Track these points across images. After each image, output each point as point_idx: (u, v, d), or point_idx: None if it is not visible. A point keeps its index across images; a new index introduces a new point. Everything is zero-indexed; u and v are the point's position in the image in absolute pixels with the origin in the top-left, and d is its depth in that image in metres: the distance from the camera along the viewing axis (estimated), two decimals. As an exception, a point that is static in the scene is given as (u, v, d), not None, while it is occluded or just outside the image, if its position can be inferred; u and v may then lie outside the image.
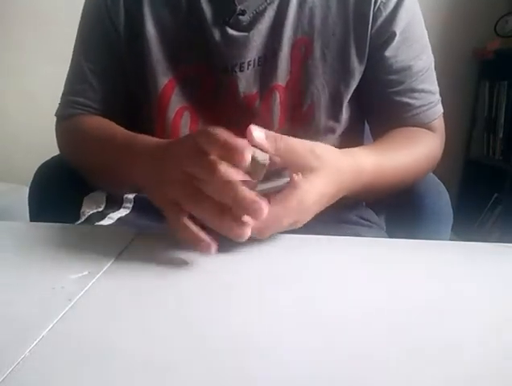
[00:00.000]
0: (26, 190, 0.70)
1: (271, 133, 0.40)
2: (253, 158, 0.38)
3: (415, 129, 0.63)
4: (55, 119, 0.68)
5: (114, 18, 0.62)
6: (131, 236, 0.46)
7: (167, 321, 0.31)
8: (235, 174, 0.36)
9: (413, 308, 0.33)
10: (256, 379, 0.25)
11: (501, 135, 1.87)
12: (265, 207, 0.35)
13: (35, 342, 0.28)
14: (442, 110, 0.66)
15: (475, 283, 0.38)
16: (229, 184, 0.36)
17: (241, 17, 0.59)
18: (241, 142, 0.36)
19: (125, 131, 0.56)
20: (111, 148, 0.54)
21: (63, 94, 0.67)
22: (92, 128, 0.61)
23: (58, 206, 0.64)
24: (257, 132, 0.39)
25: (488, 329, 0.31)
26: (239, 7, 0.59)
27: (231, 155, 0.36)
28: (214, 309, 0.32)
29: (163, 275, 0.37)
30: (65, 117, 0.66)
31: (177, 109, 0.63)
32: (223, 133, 0.37)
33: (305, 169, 0.41)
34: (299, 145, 0.41)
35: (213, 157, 0.36)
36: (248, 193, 0.36)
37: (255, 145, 0.39)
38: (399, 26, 0.60)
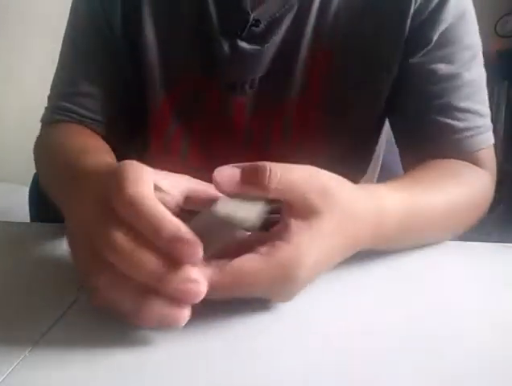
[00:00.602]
0: (26, 190, 0.70)
1: (256, 165, 0.28)
2: (219, 215, 0.26)
3: (457, 161, 0.50)
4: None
5: (107, 7, 0.54)
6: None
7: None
8: (155, 262, 0.25)
9: (412, 309, 0.33)
10: None
11: (501, 135, 1.87)
12: (202, 288, 0.25)
13: (35, 343, 0.27)
14: (493, 140, 0.53)
15: (475, 283, 0.38)
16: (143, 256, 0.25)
17: (254, 28, 0.51)
18: (172, 223, 0.25)
19: (85, 150, 0.44)
20: (57, 169, 0.45)
21: (49, 97, 0.59)
22: (66, 143, 0.49)
23: (58, 206, 0.63)
24: (224, 175, 0.27)
25: (488, 329, 0.31)
26: (252, 15, 0.50)
27: (156, 240, 0.25)
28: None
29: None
30: (47, 124, 0.57)
31: (174, 131, 0.56)
32: (149, 199, 0.25)
33: (306, 211, 0.29)
34: (304, 185, 0.28)
35: (125, 230, 0.25)
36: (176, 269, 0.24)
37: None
38: (442, 27, 0.49)
